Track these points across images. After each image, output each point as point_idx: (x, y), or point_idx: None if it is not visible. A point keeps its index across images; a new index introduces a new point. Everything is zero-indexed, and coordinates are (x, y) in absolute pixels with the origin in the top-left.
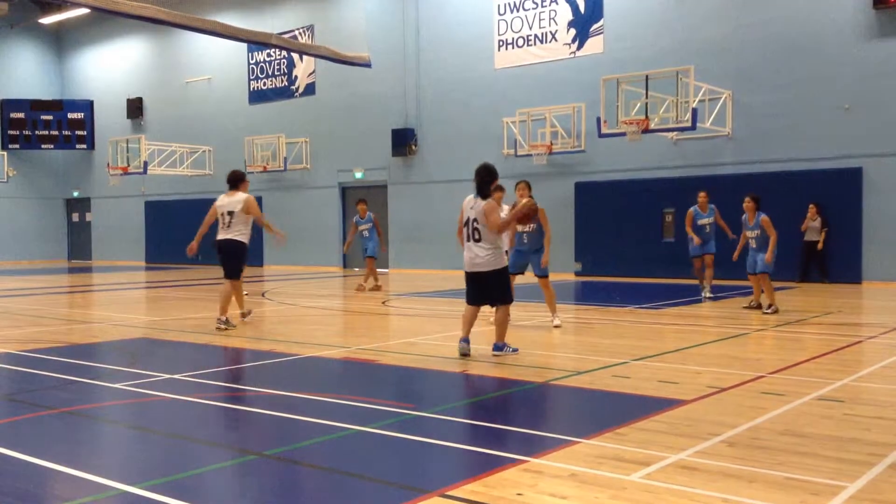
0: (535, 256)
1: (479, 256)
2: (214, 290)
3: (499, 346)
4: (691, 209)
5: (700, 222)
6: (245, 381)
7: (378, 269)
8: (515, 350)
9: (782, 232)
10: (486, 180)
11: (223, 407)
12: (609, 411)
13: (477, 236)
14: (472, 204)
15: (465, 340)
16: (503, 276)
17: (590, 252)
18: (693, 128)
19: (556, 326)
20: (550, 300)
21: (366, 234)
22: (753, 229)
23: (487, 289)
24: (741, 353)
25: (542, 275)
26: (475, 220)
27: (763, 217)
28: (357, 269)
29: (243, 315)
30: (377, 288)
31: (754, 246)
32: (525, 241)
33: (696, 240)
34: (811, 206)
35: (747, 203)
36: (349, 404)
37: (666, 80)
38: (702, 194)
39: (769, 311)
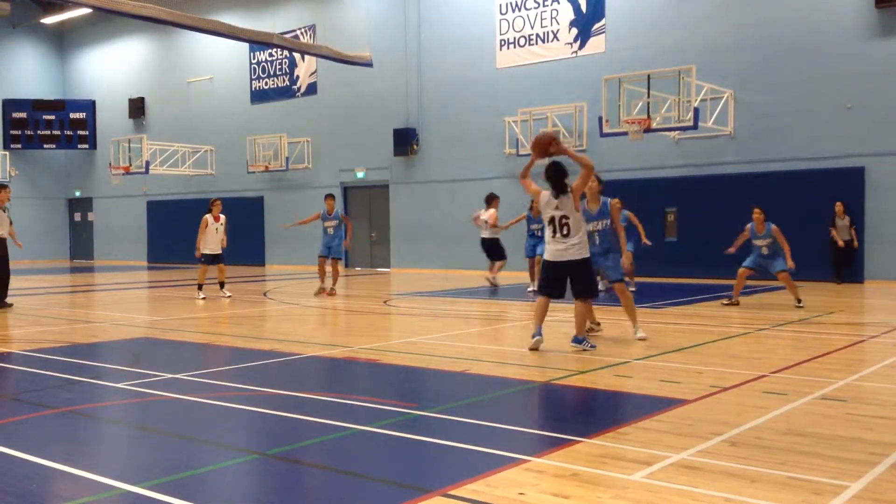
0: (610, 259)
1: (565, 246)
2: (216, 289)
3: (578, 339)
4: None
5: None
6: (247, 380)
7: (380, 269)
8: (594, 346)
9: (785, 232)
10: (556, 176)
11: (225, 406)
12: (611, 411)
13: (566, 231)
14: (554, 204)
15: (538, 333)
16: (591, 266)
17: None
18: (695, 127)
19: (641, 339)
20: (632, 311)
21: (330, 231)
22: (765, 238)
23: (574, 279)
24: (743, 352)
25: (620, 278)
26: (564, 216)
27: (773, 227)
28: (358, 269)
29: (493, 284)
30: (332, 293)
31: (766, 253)
32: (597, 241)
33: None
34: (837, 204)
35: (756, 214)
36: (351, 404)
37: (668, 79)
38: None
39: (800, 304)
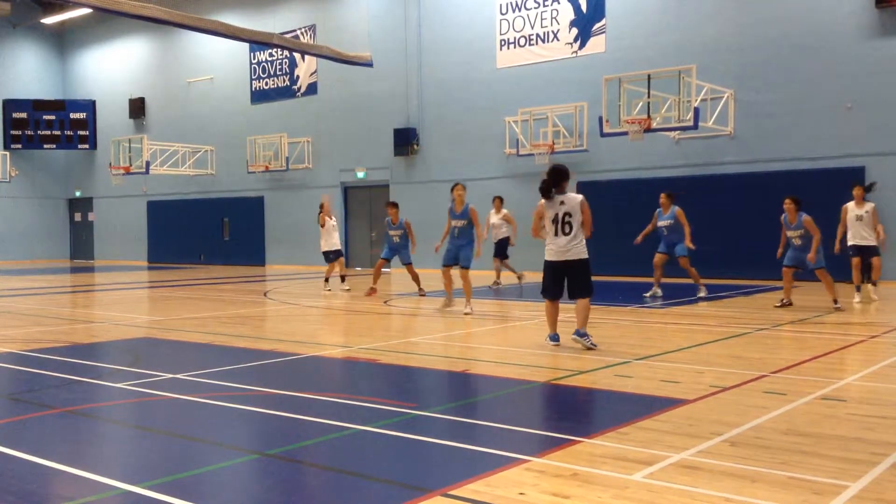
0: (464, 250)
1: (564, 247)
2: (216, 289)
3: (580, 333)
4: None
5: (659, 223)
6: (247, 380)
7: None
8: (595, 345)
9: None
10: (558, 179)
11: (225, 406)
12: (611, 411)
13: (567, 230)
14: (559, 200)
15: (554, 337)
16: (588, 266)
17: (591, 251)
18: (695, 127)
19: (467, 314)
20: (468, 290)
21: (396, 239)
22: (796, 229)
23: (573, 279)
24: (743, 352)
25: (467, 266)
26: (567, 213)
27: (805, 217)
28: (358, 269)
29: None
30: (422, 293)
31: (799, 244)
32: (457, 235)
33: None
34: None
35: (788, 204)
36: (351, 404)
37: (668, 79)
38: (662, 195)
39: (837, 305)
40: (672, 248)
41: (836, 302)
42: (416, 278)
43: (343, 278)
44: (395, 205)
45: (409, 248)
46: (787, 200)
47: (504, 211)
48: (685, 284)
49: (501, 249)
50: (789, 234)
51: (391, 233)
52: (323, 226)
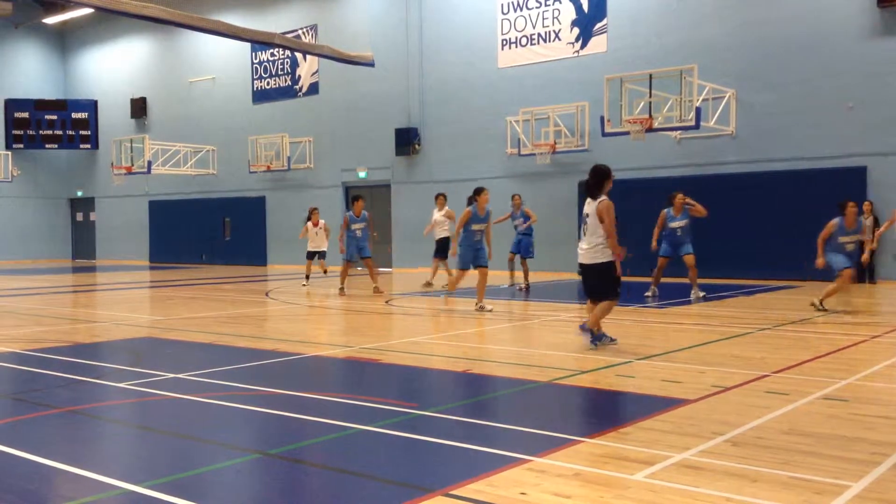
0: (483, 251)
1: (582, 249)
2: (218, 289)
3: (584, 327)
4: (664, 211)
5: (672, 225)
6: (249, 380)
7: (381, 269)
8: (607, 341)
9: (787, 232)
10: (596, 181)
11: (227, 406)
12: (613, 410)
13: (583, 232)
14: (589, 201)
15: (596, 337)
16: (605, 271)
17: None
18: (697, 127)
19: (489, 310)
20: (484, 288)
21: (359, 233)
22: (855, 233)
23: (590, 282)
24: (745, 352)
25: (486, 265)
26: (587, 215)
27: (864, 221)
28: (359, 268)
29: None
30: (378, 291)
31: (852, 249)
32: (476, 238)
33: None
34: (866, 203)
35: (852, 208)
36: (352, 403)
37: (669, 78)
38: (678, 196)
39: (821, 307)
40: (678, 250)
41: (822, 304)
42: (374, 275)
43: (308, 277)
44: (362, 198)
45: (369, 242)
46: (851, 204)
47: (447, 208)
48: (686, 285)
49: (443, 249)
50: (844, 239)
51: (354, 226)
52: (307, 232)
